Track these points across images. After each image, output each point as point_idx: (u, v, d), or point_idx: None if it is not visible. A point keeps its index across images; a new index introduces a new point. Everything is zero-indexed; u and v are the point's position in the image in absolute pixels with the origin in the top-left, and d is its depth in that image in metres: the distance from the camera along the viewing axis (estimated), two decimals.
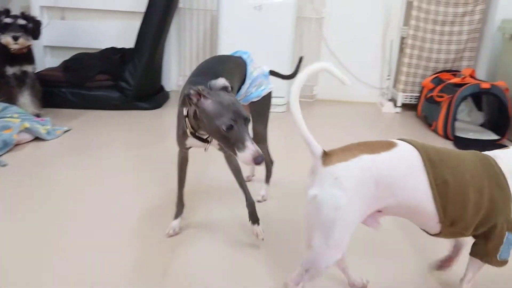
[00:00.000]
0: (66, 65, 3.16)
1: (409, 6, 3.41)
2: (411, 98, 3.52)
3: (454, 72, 3.26)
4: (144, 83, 3.12)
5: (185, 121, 1.25)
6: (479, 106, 3.25)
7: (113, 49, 3.36)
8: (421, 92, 3.37)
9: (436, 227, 1.10)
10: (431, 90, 3.15)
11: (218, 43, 3.18)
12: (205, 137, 1.29)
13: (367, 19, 3.62)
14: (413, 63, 3.42)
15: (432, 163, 1.04)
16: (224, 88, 1.19)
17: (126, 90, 3.05)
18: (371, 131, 2.99)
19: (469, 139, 2.87)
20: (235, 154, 1.12)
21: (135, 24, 3.08)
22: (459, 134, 2.90)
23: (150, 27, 2.99)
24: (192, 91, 1.12)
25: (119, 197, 1.86)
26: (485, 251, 1.13)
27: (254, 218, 1.51)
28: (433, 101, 3.04)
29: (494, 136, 2.91)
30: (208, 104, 1.12)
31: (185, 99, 1.13)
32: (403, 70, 3.45)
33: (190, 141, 1.35)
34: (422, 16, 3.30)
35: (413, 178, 1.04)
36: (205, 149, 1.33)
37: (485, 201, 1.08)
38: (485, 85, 2.81)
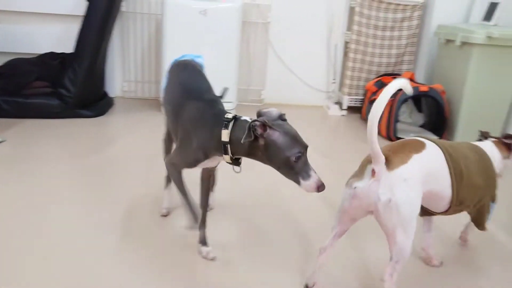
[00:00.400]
0: (0, 72, 2.97)
1: (352, 11, 3.51)
2: (356, 101, 3.62)
3: (395, 76, 3.39)
4: (86, 90, 2.99)
5: (226, 146, 1.21)
6: (419, 108, 3.39)
7: (52, 54, 3.20)
8: (365, 95, 3.47)
9: (445, 207, 1.35)
10: (374, 93, 3.26)
11: (163, 47, 3.11)
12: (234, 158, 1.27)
13: (312, 24, 3.68)
14: (357, 67, 3.52)
15: (451, 157, 1.28)
16: (280, 117, 1.22)
17: (66, 97, 2.91)
18: (318, 134, 3.05)
19: None
20: (298, 182, 1.16)
21: (76, 28, 2.95)
22: (400, 135, 3.01)
23: (90, 31, 2.87)
24: (257, 123, 1.14)
25: (60, 212, 1.76)
26: (480, 221, 1.50)
27: (204, 241, 1.53)
28: None
29: (433, 137, 3.05)
30: (277, 136, 1.15)
31: (250, 131, 1.13)
32: (348, 74, 3.55)
33: (207, 162, 1.33)
34: (363, 21, 3.41)
35: (442, 170, 1.27)
36: (237, 171, 1.30)
37: (484, 183, 1.37)
38: (423, 88, 2.94)
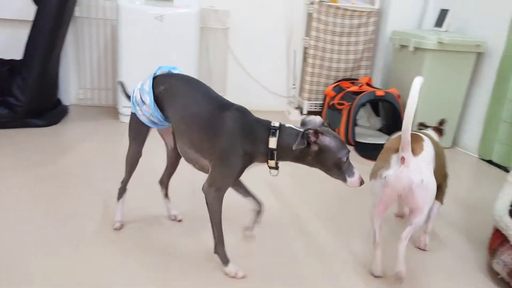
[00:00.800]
0: None
1: (310, 17, 3.55)
2: (315, 106, 3.65)
3: (353, 81, 3.45)
4: (37, 98, 2.86)
5: (273, 152, 1.31)
6: (377, 112, 3.46)
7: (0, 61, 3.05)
8: (324, 100, 3.51)
9: None
10: (333, 98, 3.30)
11: (119, 54, 3.04)
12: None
13: (271, 30, 3.70)
14: (316, 72, 3.56)
15: (434, 142, 1.55)
16: (322, 124, 1.35)
17: (15, 106, 2.77)
18: None
19: (368, 143, 3.05)
20: (345, 180, 1.30)
21: (26, 33, 2.81)
22: (359, 139, 3.06)
23: (40, 37, 2.75)
24: (311, 131, 1.25)
25: (10, 225, 1.66)
26: (441, 195, 1.69)
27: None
28: (335, 109, 3.19)
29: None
30: (329, 141, 1.28)
31: (303, 138, 1.24)
32: (307, 79, 3.58)
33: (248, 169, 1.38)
34: (321, 27, 3.45)
35: (432, 154, 1.48)
36: (274, 175, 1.37)
37: (444, 163, 1.65)
38: (379, 93, 3.00)
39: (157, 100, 1.46)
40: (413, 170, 1.35)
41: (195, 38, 3.12)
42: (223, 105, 1.38)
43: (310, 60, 3.53)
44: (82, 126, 3.02)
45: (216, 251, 1.45)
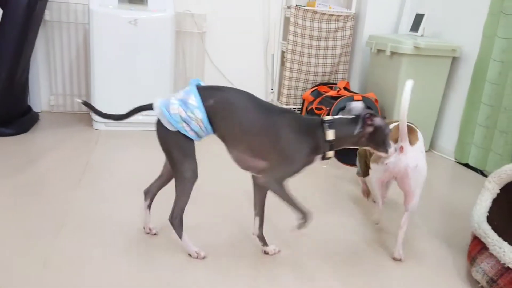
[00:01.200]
0: None
1: (287, 21, 3.52)
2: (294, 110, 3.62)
3: (331, 85, 3.44)
4: (5, 105, 2.74)
5: (332, 144, 1.42)
6: None
7: None
8: (302, 104, 3.49)
9: None
10: (311, 102, 3.28)
11: (92, 59, 2.94)
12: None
13: (248, 34, 3.66)
14: (294, 77, 3.54)
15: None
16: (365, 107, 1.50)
17: None
18: None
19: (347, 149, 3.02)
20: (387, 151, 1.48)
21: None
22: None
23: (7, 42, 2.63)
24: (368, 115, 1.40)
25: None
26: None
27: (264, 240, 1.69)
28: (313, 113, 3.16)
29: None
30: (379, 120, 1.43)
31: (363, 122, 1.40)
32: (285, 84, 3.55)
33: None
34: (299, 31, 3.43)
35: None
36: (325, 165, 1.53)
37: None
38: (357, 97, 2.99)
39: (208, 113, 1.44)
40: (410, 157, 1.56)
41: (170, 42, 3.05)
42: (276, 110, 1.46)
43: (288, 64, 3.50)
44: (53, 134, 2.91)
45: (300, 218, 1.48)
